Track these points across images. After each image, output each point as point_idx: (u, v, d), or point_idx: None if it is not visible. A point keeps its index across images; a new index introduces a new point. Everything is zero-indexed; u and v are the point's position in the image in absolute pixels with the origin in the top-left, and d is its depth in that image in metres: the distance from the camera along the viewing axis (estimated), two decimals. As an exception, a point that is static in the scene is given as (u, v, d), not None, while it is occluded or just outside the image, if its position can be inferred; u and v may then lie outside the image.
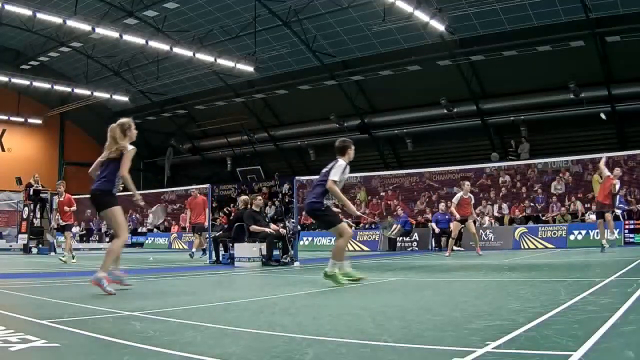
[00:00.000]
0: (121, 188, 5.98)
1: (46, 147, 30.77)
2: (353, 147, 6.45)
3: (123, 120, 5.87)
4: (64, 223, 13.37)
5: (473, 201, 13.56)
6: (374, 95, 25.03)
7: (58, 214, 13.85)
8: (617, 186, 11.97)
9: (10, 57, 25.59)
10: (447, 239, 17.92)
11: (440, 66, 21.15)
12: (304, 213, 6.44)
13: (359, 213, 7.61)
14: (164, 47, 20.17)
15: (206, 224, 14.09)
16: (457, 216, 13.27)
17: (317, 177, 6.59)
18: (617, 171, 12.26)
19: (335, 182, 6.09)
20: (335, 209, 7.17)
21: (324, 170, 6.32)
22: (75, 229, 25.53)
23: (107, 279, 5.42)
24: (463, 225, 13.49)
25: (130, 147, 5.79)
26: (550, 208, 18.13)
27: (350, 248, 19.48)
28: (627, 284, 5.32)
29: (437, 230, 17.85)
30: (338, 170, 6.11)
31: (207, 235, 13.30)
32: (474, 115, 23.05)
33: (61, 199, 13.51)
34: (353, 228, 20.84)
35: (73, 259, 12.71)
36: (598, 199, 12.31)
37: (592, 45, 18.63)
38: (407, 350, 2.75)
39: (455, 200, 13.36)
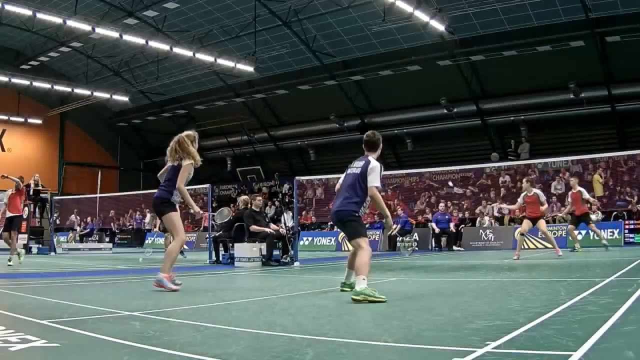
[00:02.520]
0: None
1: (46, 147, 30.76)
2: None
3: (190, 132, 6.57)
4: (11, 215, 11.47)
5: (544, 198, 12.19)
6: (374, 95, 25.02)
7: (7, 207, 11.74)
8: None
9: (10, 57, 25.58)
10: (447, 238, 17.97)
11: (440, 66, 21.14)
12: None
13: (393, 226, 6.38)
14: (164, 47, 20.16)
15: None
16: (505, 210, 12.69)
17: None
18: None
19: (378, 188, 5.30)
20: None
21: (353, 171, 5.41)
22: (75, 229, 25.63)
23: (168, 278, 5.85)
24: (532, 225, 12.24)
25: (188, 161, 6.27)
26: (551, 208, 18.12)
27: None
28: (627, 284, 5.32)
29: (437, 230, 17.85)
30: (378, 175, 5.29)
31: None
32: (474, 115, 23.05)
33: (14, 192, 11.64)
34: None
35: (19, 258, 11.21)
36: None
37: (592, 45, 18.63)
38: (407, 350, 2.75)
39: (519, 200, 12.35)
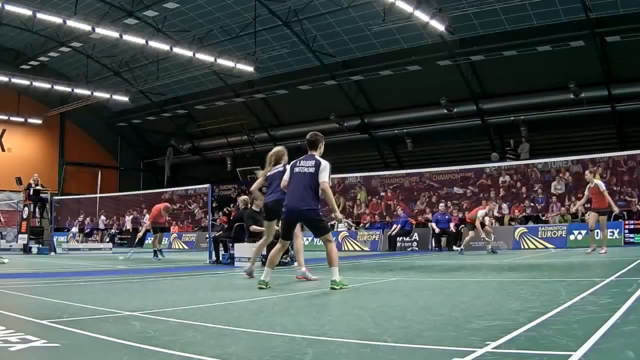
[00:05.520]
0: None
1: (46, 147, 30.77)
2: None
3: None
4: None
5: (603, 188, 11.66)
6: (374, 95, 25.03)
7: None
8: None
9: (10, 57, 25.59)
10: (447, 238, 17.95)
11: (440, 66, 21.14)
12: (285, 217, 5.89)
13: (344, 219, 7.07)
14: (164, 47, 20.16)
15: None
16: (578, 207, 12.74)
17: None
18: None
19: (328, 184, 5.92)
20: None
21: (304, 170, 5.98)
22: (74, 229, 25.64)
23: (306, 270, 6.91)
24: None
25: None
26: (550, 208, 18.12)
27: (350, 248, 19.49)
28: (627, 284, 5.32)
29: (437, 230, 17.82)
30: (328, 172, 5.94)
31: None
32: (474, 115, 23.05)
33: None
34: (353, 228, 20.85)
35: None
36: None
37: (592, 45, 18.63)
38: (407, 350, 2.75)
39: (586, 193, 12.06)
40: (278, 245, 6.26)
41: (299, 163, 6.09)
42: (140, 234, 15.02)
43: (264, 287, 5.85)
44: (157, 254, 13.94)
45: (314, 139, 6.30)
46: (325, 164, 5.96)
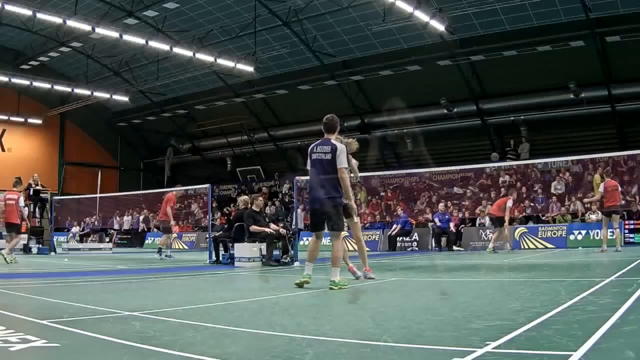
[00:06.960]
0: None
1: (46, 147, 30.75)
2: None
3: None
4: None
5: (600, 189, 12.13)
6: (374, 95, 25.01)
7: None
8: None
9: (10, 57, 25.57)
10: (447, 238, 17.94)
11: (440, 66, 21.14)
12: (307, 211, 5.72)
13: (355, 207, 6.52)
14: (164, 47, 20.16)
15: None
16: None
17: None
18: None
19: (346, 169, 5.76)
20: None
21: (321, 157, 5.84)
22: (75, 229, 25.64)
23: (368, 270, 6.78)
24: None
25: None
26: (550, 208, 18.11)
27: (350, 248, 19.46)
28: (627, 284, 5.32)
29: (438, 223, 17.74)
30: (345, 156, 5.76)
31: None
32: (474, 115, 23.04)
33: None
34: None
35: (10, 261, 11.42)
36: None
37: (592, 45, 18.63)
38: (407, 350, 2.75)
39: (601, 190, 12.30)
40: (313, 238, 6.13)
41: (316, 149, 5.94)
42: (171, 225, 14.64)
43: (308, 280, 5.71)
44: (161, 252, 13.97)
45: (330, 122, 6.08)
46: (341, 148, 5.79)
